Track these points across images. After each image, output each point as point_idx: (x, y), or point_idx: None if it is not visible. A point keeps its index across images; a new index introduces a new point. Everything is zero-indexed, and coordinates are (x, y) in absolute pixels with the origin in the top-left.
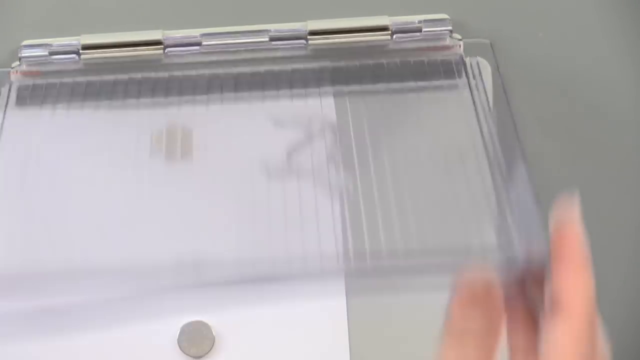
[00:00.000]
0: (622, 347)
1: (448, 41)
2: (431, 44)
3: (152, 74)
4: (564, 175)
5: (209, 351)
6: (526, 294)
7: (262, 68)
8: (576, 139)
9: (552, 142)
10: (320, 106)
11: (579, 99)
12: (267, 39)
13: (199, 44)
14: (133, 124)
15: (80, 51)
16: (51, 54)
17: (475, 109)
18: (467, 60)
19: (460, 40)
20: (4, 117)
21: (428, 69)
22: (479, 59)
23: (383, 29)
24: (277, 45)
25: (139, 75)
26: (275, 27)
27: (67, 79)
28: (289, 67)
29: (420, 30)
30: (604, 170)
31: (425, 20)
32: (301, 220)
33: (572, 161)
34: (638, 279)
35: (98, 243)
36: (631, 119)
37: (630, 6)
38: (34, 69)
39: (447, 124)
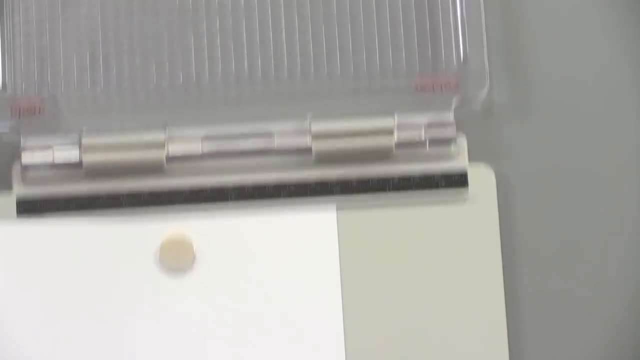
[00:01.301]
0: (623, 347)
1: (452, 148)
2: (435, 150)
3: (155, 183)
4: (565, 179)
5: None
6: None
7: (265, 177)
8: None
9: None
10: (323, 219)
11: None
12: (271, 143)
13: (201, 152)
14: (136, 235)
15: (82, 154)
16: (53, 162)
17: (480, 221)
18: (471, 169)
19: (464, 145)
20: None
21: (432, 180)
22: (483, 166)
23: (387, 131)
24: (280, 147)
25: (141, 185)
26: (279, 129)
27: (69, 187)
28: (292, 176)
29: (424, 138)
30: (605, 174)
31: (429, 125)
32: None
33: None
34: (638, 279)
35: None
36: (633, 123)
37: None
38: (34, 176)
39: (452, 237)
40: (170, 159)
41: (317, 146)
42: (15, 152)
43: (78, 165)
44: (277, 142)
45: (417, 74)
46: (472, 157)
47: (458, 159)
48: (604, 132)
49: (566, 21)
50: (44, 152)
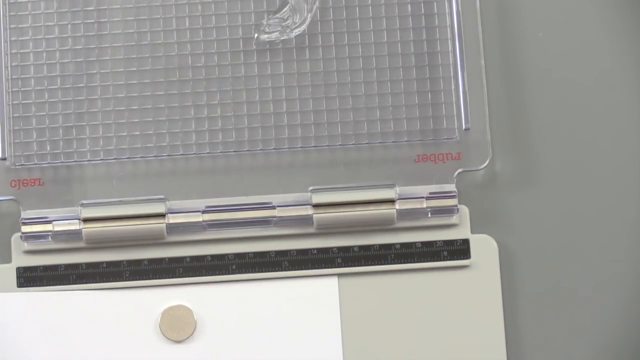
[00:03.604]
0: (622, 346)
1: (454, 219)
2: (437, 220)
3: (155, 253)
4: (566, 177)
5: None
6: None
7: (266, 247)
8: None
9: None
10: (324, 287)
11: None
12: (271, 215)
13: (201, 221)
14: (136, 306)
15: (82, 226)
16: (53, 233)
17: (482, 290)
18: (473, 239)
19: (467, 216)
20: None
21: (434, 250)
22: (485, 237)
23: (389, 201)
24: (281, 219)
25: (141, 255)
26: (280, 199)
27: (69, 258)
28: (293, 246)
29: (426, 208)
30: (605, 172)
31: (431, 195)
32: None
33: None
34: (638, 279)
35: None
36: (632, 122)
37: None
38: (34, 247)
39: (453, 304)
40: (171, 229)
41: (318, 216)
42: (15, 224)
43: (78, 236)
44: (277, 213)
45: (419, 145)
46: (475, 227)
47: (460, 229)
48: (606, 200)
49: (569, 87)
50: (44, 223)
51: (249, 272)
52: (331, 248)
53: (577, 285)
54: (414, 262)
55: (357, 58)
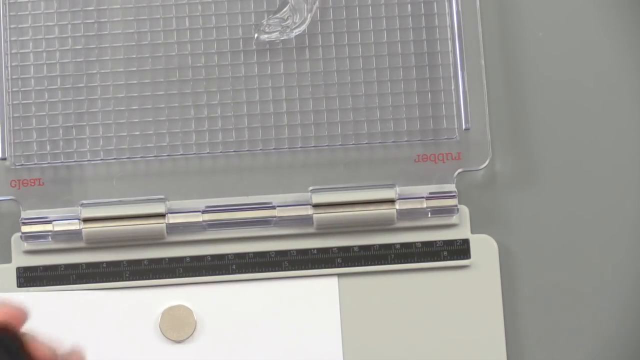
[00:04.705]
0: (622, 346)
1: (454, 219)
2: (437, 221)
3: (155, 253)
4: (566, 177)
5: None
6: None
7: (266, 247)
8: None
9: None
10: (324, 287)
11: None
12: (271, 215)
13: (201, 221)
14: (136, 306)
15: (82, 226)
16: (53, 233)
17: (482, 290)
18: (473, 239)
19: (467, 216)
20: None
21: (434, 250)
22: (485, 237)
23: (389, 201)
24: (281, 219)
25: (141, 255)
26: (280, 199)
27: (69, 258)
28: (293, 246)
29: (426, 208)
30: (605, 172)
31: (431, 195)
32: None
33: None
34: (638, 279)
35: None
36: (632, 122)
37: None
38: (34, 247)
39: (453, 304)
40: (171, 229)
41: (318, 216)
42: (15, 224)
43: (78, 236)
44: (277, 213)
45: (419, 145)
46: (475, 227)
47: (460, 229)
48: (606, 200)
49: (569, 88)
50: (44, 223)
51: (249, 272)
52: (331, 248)
53: (577, 285)
54: (414, 262)
55: (357, 58)
